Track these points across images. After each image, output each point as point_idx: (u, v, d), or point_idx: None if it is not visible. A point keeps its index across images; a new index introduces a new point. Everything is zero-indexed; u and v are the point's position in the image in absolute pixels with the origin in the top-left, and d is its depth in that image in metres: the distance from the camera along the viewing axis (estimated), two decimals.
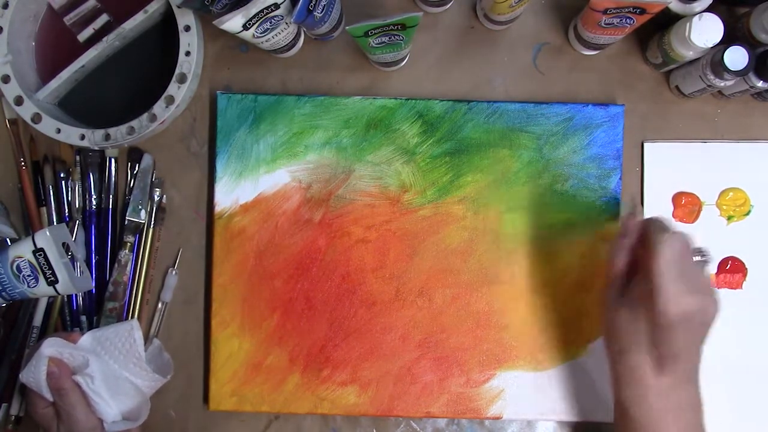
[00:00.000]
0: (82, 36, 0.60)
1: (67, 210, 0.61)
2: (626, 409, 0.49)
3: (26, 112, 0.58)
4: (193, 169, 0.62)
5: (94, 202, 0.61)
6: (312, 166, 0.60)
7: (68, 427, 0.52)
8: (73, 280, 0.53)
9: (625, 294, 0.50)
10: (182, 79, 0.58)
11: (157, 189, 0.61)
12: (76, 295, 0.61)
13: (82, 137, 0.57)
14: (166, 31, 0.61)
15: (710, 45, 0.52)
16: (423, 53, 0.61)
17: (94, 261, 0.61)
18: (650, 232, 0.48)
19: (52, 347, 0.52)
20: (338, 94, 0.60)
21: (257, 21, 0.51)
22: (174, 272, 0.61)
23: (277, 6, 0.50)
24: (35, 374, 0.52)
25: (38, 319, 0.60)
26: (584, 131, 0.59)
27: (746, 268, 0.60)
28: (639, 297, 0.48)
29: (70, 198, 0.61)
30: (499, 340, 0.59)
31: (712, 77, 0.53)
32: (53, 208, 0.61)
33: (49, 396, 0.52)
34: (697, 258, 0.50)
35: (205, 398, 0.60)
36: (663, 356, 0.47)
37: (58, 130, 0.58)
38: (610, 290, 0.51)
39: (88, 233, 0.61)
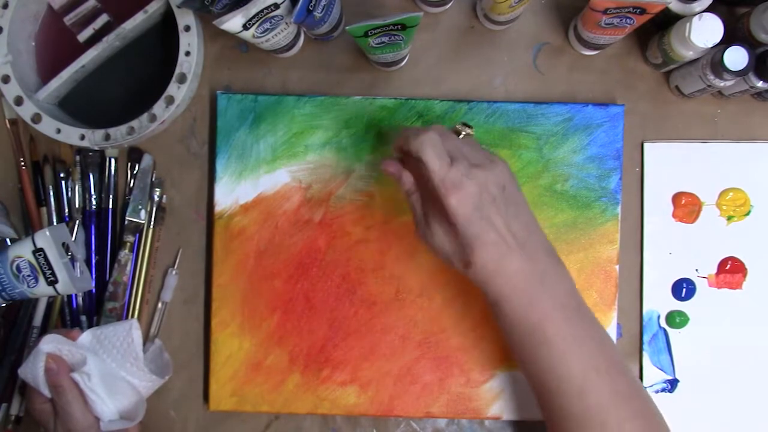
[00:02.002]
0: (82, 36, 0.60)
1: (67, 210, 0.61)
2: (501, 308, 0.47)
3: (26, 112, 0.58)
4: (193, 169, 0.62)
5: (94, 202, 0.61)
6: (312, 166, 0.60)
7: (65, 424, 0.52)
8: (73, 280, 0.53)
9: (427, 215, 0.48)
10: (182, 79, 0.58)
11: (157, 189, 0.61)
12: (76, 295, 0.61)
13: (82, 137, 0.57)
14: (166, 31, 0.61)
15: (710, 45, 0.52)
16: (423, 53, 0.61)
17: (94, 261, 0.61)
18: (406, 144, 0.46)
19: (51, 343, 0.52)
20: (338, 94, 0.60)
21: (257, 21, 0.51)
22: (174, 272, 0.61)
23: (277, 6, 0.50)
24: (33, 370, 0.52)
25: (38, 319, 0.60)
26: (584, 131, 0.59)
27: (746, 268, 0.60)
28: (435, 209, 0.46)
29: (70, 198, 0.61)
30: (499, 340, 0.59)
31: (712, 77, 0.53)
32: (53, 208, 0.61)
33: (46, 392, 0.53)
34: (461, 135, 0.49)
35: (205, 398, 0.60)
36: (496, 239, 0.45)
37: (58, 130, 0.58)
38: (418, 221, 0.49)
39: (88, 233, 0.61)
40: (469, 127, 0.50)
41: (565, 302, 0.47)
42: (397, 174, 0.49)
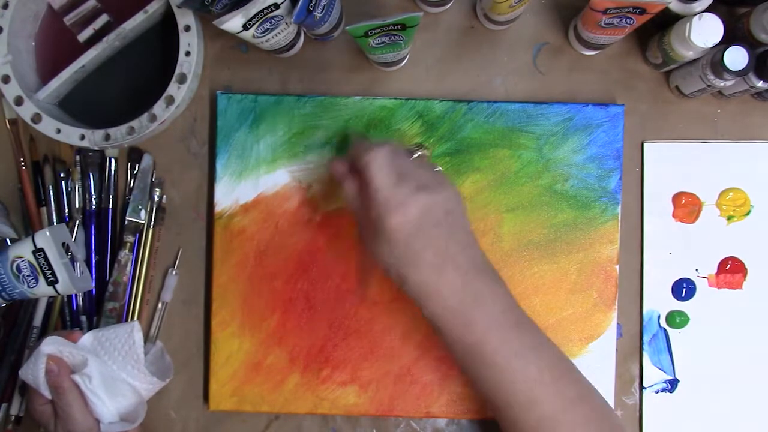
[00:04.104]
0: (82, 36, 0.60)
1: (67, 210, 0.61)
2: (439, 328, 0.47)
3: (26, 112, 0.58)
4: (193, 169, 0.62)
5: (94, 202, 0.61)
6: (312, 166, 0.60)
7: (65, 426, 0.52)
8: (73, 280, 0.53)
9: (368, 227, 0.47)
10: (182, 79, 0.57)
11: (157, 189, 0.61)
12: (76, 295, 0.61)
13: (82, 137, 0.57)
14: (166, 31, 0.61)
15: (710, 45, 0.52)
16: (423, 53, 0.61)
17: (94, 261, 0.61)
18: (355, 156, 0.46)
19: (52, 345, 0.52)
20: (338, 94, 0.60)
21: (257, 21, 0.51)
22: (174, 272, 0.61)
23: (277, 6, 0.50)
24: (34, 371, 0.52)
25: (38, 319, 0.60)
26: (584, 131, 0.59)
27: (746, 268, 0.60)
28: (376, 221, 0.46)
29: (70, 198, 0.61)
30: None
31: (712, 77, 0.53)
32: (53, 208, 0.61)
33: (47, 393, 0.53)
34: (415, 156, 0.49)
35: (205, 398, 0.60)
36: (432, 261, 0.45)
37: (58, 130, 0.58)
38: (360, 230, 0.48)
39: (88, 233, 0.61)
40: (425, 148, 0.50)
41: (502, 320, 0.46)
42: (340, 177, 0.49)
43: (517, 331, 0.47)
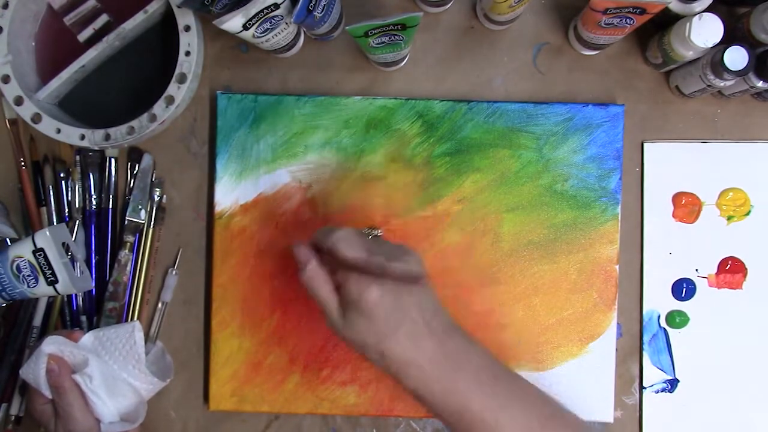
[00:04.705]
0: (82, 36, 0.60)
1: (67, 210, 0.61)
2: (423, 396, 0.46)
3: (26, 112, 0.58)
4: (193, 169, 0.62)
5: (94, 202, 0.61)
6: (312, 166, 0.60)
7: (65, 425, 0.52)
8: (73, 280, 0.53)
9: (344, 308, 0.47)
10: (182, 79, 0.57)
11: (157, 189, 0.61)
12: (76, 295, 0.61)
13: (82, 137, 0.57)
14: (166, 31, 0.61)
15: (710, 45, 0.52)
16: (423, 53, 0.61)
17: (94, 261, 0.61)
18: (320, 241, 0.46)
19: (52, 345, 0.52)
20: (338, 94, 0.60)
21: (257, 21, 0.51)
22: (174, 272, 0.61)
23: (277, 6, 0.50)
24: (35, 371, 0.52)
25: (38, 319, 0.60)
26: (584, 131, 0.59)
27: (746, 268, 0.60)
28: (353, 299, 0.45)
29: (70, 198, 0.61)
30: (499, 340, 0.59)
31: (712, 77, 0.53)
32: (53, 208, 0.61)
33: (47, 393, 0.53)
34: (372, 236, 0.50)
35: (205, 398, 0.60)
36: (409, 330, 0.45)
37: (58, 130, 0.58)
38: (331, 316, 0.47)
39: (88, 233, 0.61)
40: (378, 228, 0.51)
41: (482, 377, 0.46)
42: (305, 261, 0.47)
43: (498, 385, 0.47)
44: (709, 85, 0.54)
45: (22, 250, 0.53)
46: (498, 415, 0.45)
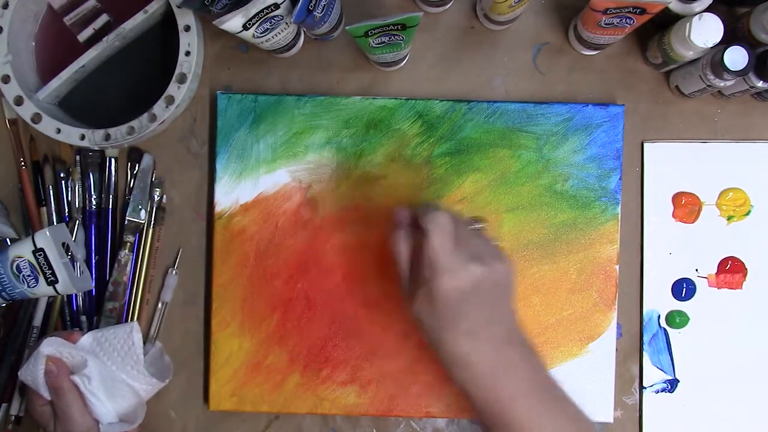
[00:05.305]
0: (82, 36, 0.60)
1: (67, 210, 0.61)
2: (468, 392, 0.48)
3: (26, 112, 0.58)
4: (193, 169, 0.62)
5: (94, 202, 0.61)
6: (312, 166, 0.60)
7: (65, 426, 0.52)
8: (73, 280, 0.53)
9: (414, 283, 0.48)
10: (182, 79, 0.57)
11: (157, 189, 0.61)
12: (76, 295, 0.61)
13: (82, 137, 0.57)
14: (166, 31, 0.61)
15: (710, 45, 0.52)
16: (423, 53, 0.61)
17: (94, 261, 0.61)
18: (419, 215, 0.47)
19: (51, 346, 0.52)
20: (338, 94, 0.60)
21: (257, 21, 0.51)
22: (174, 272, 0.61)
23: (277, 6, 0.50)
24: (33, 372, 0.52)
25: (38, 319, 0.60)
26: (584, 131, 0.59)
27: (746, 268, 0.60)
28: (424, 281, 0.47)
29: (70, 198, 0.61)
30: None
31: (712, 77, 0.53)
32: (53, 208, 0.61)
33: (46, 394, 0.53)
34: (472, 227, 0.50)
35: (205, 398, 0.60)
36: (469, 329, 0.46)
37: (58, 130, 0.58)
38: (403, 284, 0.49)
39: (88, 233, 0.61)
40: (484, 221, 0.51)
41: (531, 388, 0.47)
42: (398, 224, 0.49)
43: (546, 399, 0.48)
44: (709, 85, 0.54)
45: (22, 250, 0.53)
46: (536, 427, 0.46)
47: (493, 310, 0.48)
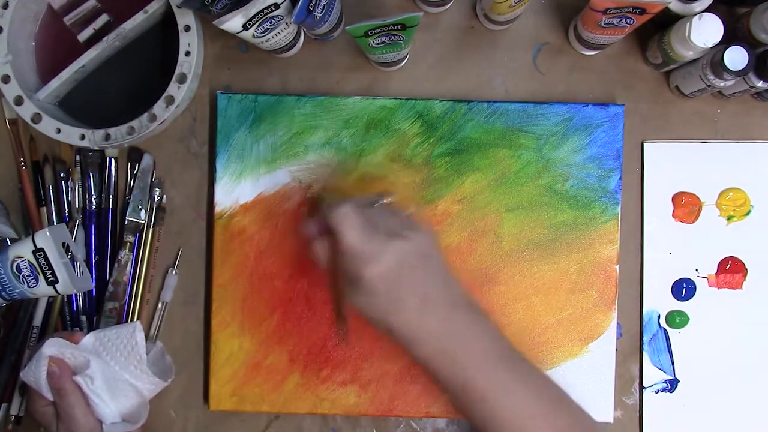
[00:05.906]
0: (82, 36, 0.60)
1: (67, 210, 0.61)
2: (433, 371, 0.47)
3: (26, 112, 0.58)
4: (193, 169, 0.62)
5: (94, 202, 0.61)
6: (312, 166, 0.60)
7: (67, 427, 0.52)
8: (73, 280, 0.53)
9: (348, 282, 0.47)
10: (182, 79, 0.57)
11: (157, 189, 0.61)
12: (76, 295, 0.61)
13: (82, 137, 0.57)
14: (166, 31, 0.61)
15: (710, 45, 0.52)
16: (423, 53, 0.61)
17: (94, 261, 0.61)
18: (325, 216, 0.47)
19: (53, 347, 0.52)
20: (338, 94, 0.60)
21: (257, 21, 0.51)
22: (174, 272, 0.61)
23: (277, 6, 0.50)
24: (36, 373, 0.52)
25: (38, 319, 0.60)
26: (584, 131, 0.59)
27: (746, 268, 0.60)
28: (354, 277, 0.46)
29: (70, 198, 0.61)
30: None
31: (712, 77, 0.53)
32: (53, 208, 0.61)
33: (49, 395, 0.53)
34: (378, 204, 0.50)
35: (205, 398, 0.60)
36: (411, 306, 0.46)
37: (58, 130, 0.58)
38: (342, 290, 0.48)
39: (88, 233, 0.61)
40: (389, 194, 0.50)
41: (488, 357, 0.47)
42: (311, 237, 0.49)
43: (503, 365, 0.47)
44: (709, 85, 0.54)
45: (22, 250, 0.53)
46: (501, 397, 0.46)
47: (431, 280, 0.47)
